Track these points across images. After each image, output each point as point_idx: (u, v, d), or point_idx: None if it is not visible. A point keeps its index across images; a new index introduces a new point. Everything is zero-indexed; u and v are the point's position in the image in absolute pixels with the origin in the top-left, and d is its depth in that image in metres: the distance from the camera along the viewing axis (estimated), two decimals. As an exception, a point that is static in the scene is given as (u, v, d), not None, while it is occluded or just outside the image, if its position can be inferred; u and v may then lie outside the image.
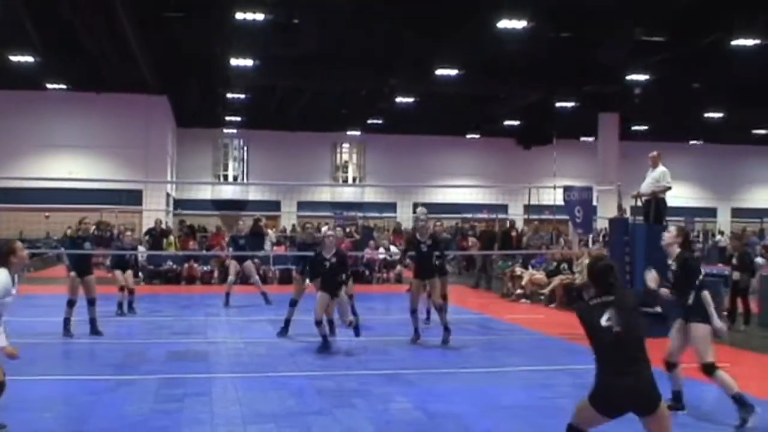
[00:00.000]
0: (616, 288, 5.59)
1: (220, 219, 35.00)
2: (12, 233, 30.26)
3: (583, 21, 23.41)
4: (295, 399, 8.73)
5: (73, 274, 13.19)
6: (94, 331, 13.12)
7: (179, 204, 40.24)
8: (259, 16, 21.62)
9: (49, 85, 33.41)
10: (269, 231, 29.40)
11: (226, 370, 10.48)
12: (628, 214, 15.78)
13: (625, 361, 5.35)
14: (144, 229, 27.98)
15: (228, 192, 44.37)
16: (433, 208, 36.59)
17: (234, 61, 26.39)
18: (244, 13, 21.35)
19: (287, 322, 13.46)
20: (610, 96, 31.40)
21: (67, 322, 13.05)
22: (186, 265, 24.44)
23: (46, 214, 25.94)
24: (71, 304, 13.08)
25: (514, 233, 26.06)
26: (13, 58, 27.12)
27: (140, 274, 22.76)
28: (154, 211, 28.47)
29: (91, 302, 13.15)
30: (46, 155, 35.83)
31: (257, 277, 18.89)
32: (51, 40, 25.71)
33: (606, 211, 22.36)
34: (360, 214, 38.61)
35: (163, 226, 27.05)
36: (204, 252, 25.27)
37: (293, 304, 13.44)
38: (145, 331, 13.67)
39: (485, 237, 26.05)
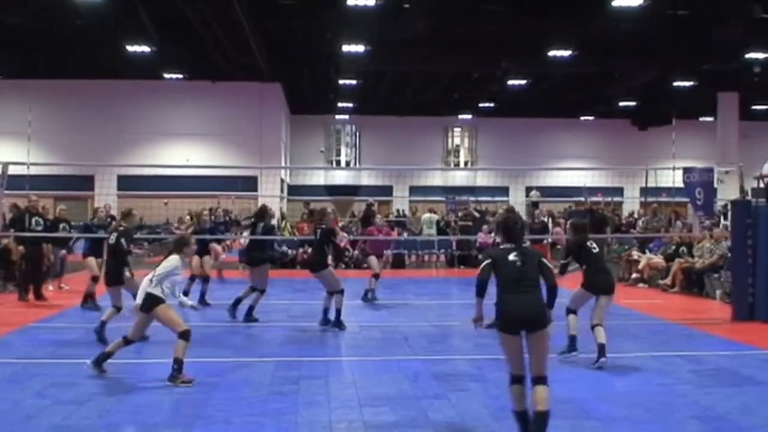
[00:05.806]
0: None
1: (334, 204, 35.37)
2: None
3: (700, -2, 22.71)
4: (410, 382, 8.77)
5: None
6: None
7: (293, 190, 40.85)
8: (371, 2, 21.63)
9: (166, 75, 34.31)
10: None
11: (342, 354, 10.60)
12: (749, 197, 15.29)
13: None
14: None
15: (341, 177, 44.90)
16: (546, 191, 36.28)
17: (345, 48, 26.54)
18: (356, -1, 21.46)
19: None
20: (729, 75, 30.43)
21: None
22: (300, 250, 24.35)
23: (165, 201, 26.62)
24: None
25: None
26: (131, 48, 27.72)
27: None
28: (269, 197, 28.87)
29: None
30: (163, 143, 36.90)
31: None
32: (167, 30, 26.41)
33: (726, 194, 21.64)
34: (472, 198, 38.42)
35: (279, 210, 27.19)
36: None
37: None
38: (263, 314, 13.87)
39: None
